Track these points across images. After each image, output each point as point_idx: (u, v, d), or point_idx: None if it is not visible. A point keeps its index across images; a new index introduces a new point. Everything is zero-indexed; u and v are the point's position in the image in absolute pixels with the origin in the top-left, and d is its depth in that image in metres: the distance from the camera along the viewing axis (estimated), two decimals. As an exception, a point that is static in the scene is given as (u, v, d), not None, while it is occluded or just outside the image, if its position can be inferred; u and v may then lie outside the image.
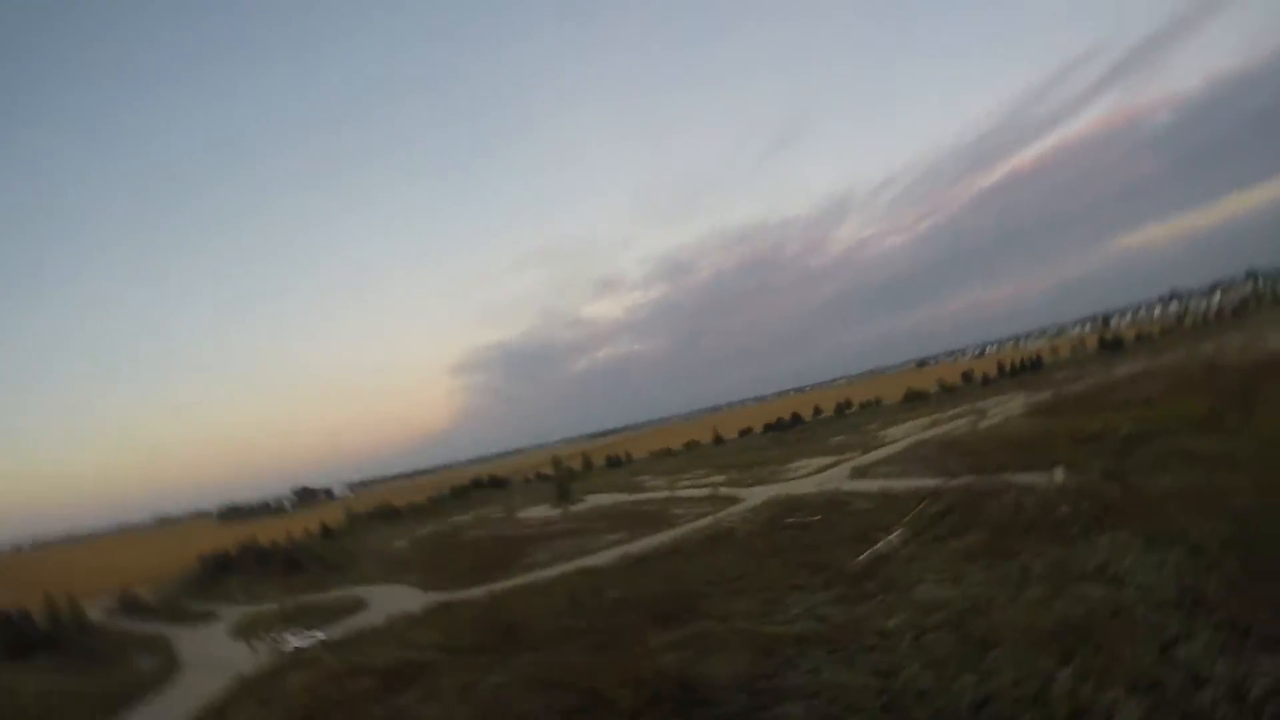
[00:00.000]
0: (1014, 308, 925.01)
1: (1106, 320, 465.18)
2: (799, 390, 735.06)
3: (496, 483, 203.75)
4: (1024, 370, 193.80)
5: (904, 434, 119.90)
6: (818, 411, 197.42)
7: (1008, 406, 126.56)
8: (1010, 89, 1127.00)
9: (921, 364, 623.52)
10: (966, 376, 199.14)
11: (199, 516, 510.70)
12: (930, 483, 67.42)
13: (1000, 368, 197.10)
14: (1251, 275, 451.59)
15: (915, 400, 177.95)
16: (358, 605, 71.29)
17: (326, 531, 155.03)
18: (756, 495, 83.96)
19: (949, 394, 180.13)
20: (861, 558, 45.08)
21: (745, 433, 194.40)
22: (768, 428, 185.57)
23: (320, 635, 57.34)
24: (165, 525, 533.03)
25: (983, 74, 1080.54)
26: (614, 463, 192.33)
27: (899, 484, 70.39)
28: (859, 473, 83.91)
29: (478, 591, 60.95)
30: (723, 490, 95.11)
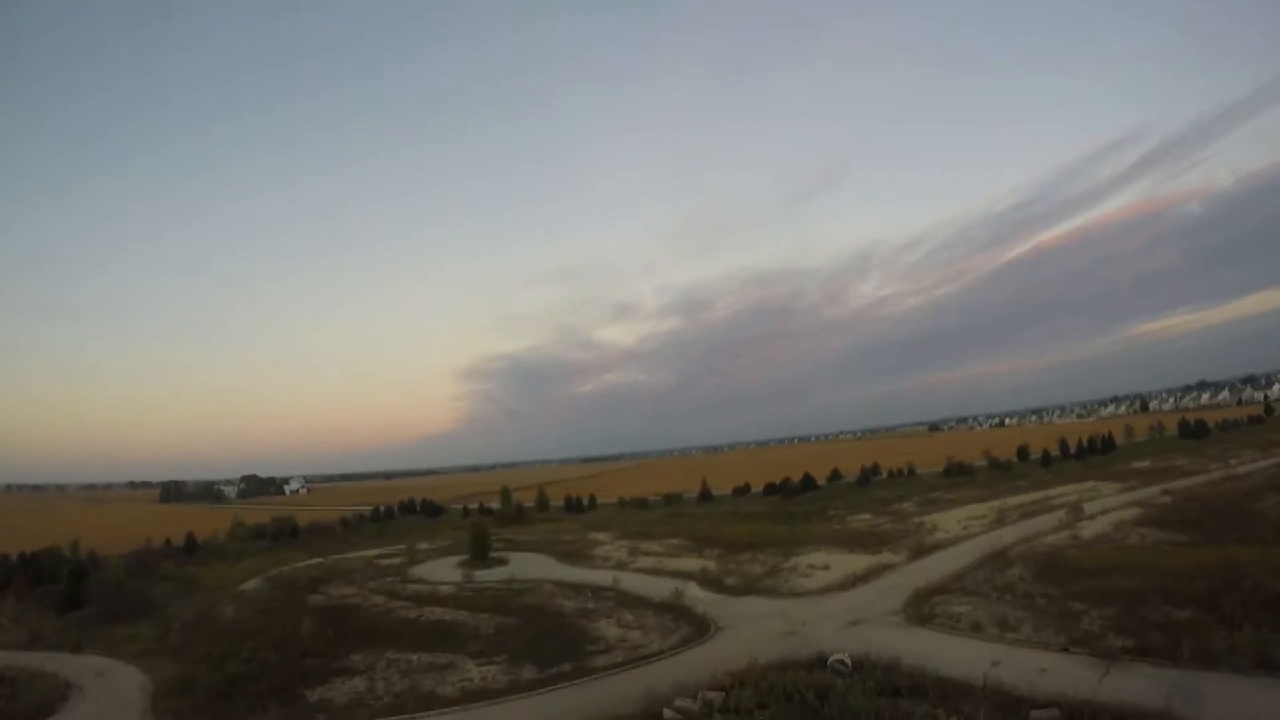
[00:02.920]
0: (1026, 381, 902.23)
1: (1145, 403, 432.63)
2: (802, 440, 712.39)
3: (431, 509, 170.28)
4: (1094, 450, 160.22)
5: (961, 528, 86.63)
6: (835, 475, 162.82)
7: (1105, 503, 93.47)
8: (1044, 164, 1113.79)
9: (934, 428, 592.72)
10: (1022, 453, 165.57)
11: (145, 488, 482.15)
12: (1078, 665, 35.62)
13: (1064, 446, 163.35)
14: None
15: (959, 475, 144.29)
16: (43, 708, 44.00)
17: (190, 547, 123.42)
18: (740, 623, 51.03)
19: (1002, 470, 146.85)
20: None
21: (741, 491, 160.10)
22: (769, 489, 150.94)
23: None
24: (94, 492, 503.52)
25: (1019, 145, 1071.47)
26: (573, 507, 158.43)
27: (1015, 657, 37.72)
28: (918, 608, 50.21)
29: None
30: (693, 592, 62.11)
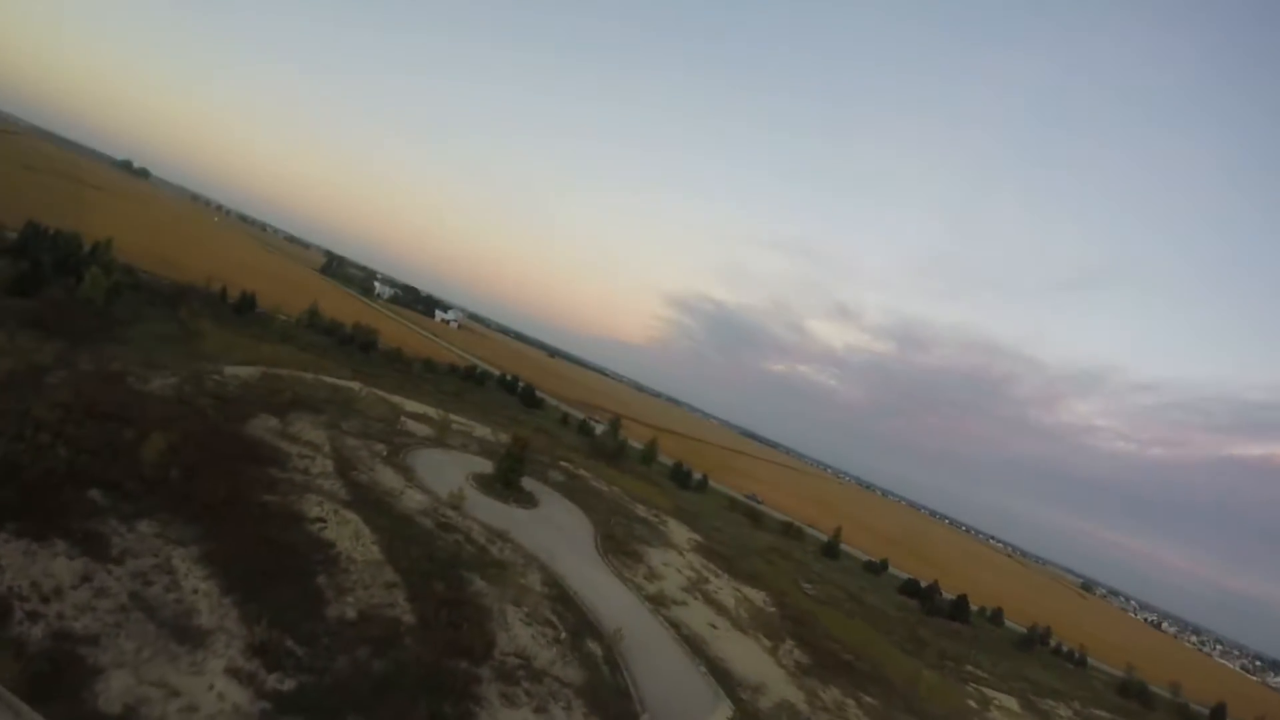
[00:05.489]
0: (1194, 587, 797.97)
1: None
2: (954, 523, 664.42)
3: (529, 398, 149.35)
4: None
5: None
6: (995, 617, 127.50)
7: None
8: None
9: (1087, 587, 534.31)
10: (1217, 713, 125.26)
11: (322, 254, 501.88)
12: None
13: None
14: None
15: (1137, 699, 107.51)
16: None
17: (244, 305, 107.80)
18: None
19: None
20: None
21: (875, 567, 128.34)
22: (909, 588, 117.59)
23: None
24: (281, 242, 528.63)
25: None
26: (680, 477, 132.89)
27: None
28: None
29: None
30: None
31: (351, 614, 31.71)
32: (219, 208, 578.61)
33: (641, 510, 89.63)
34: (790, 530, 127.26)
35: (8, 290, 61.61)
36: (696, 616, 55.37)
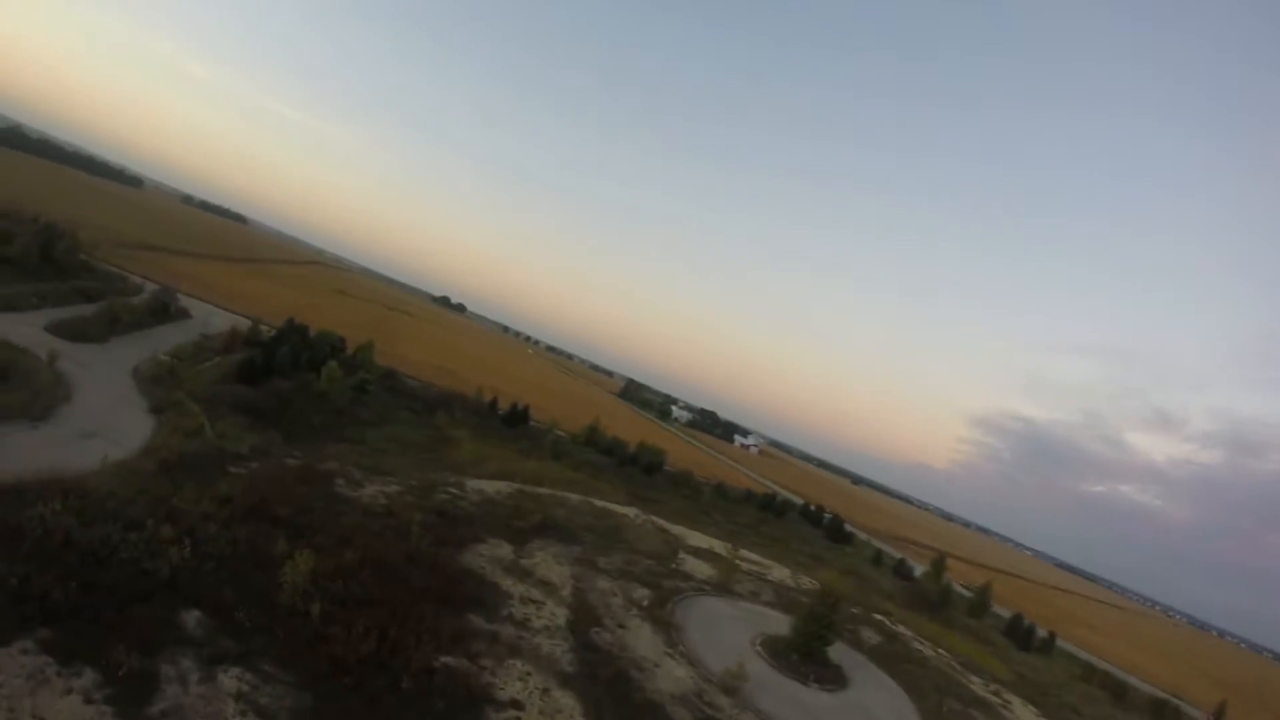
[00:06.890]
0: None
1: None
2: None
3: (837, 532, 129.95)
4: None
5: None
6: None
7: None
8: None
9: None
10: None
11: (611, 377, 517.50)
12: None
13: None
14: None
15: None
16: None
17: (514, 418, 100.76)
18: None
19: None
20: None
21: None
22: None
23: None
24: (586, 371, 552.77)
25: None
26: (1020, 635, 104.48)
27: None
28: None
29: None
30: None
31: None
32: (529, 339, 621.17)
33: (976, 685, 68.39)
34: (1165, 710, 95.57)
35: (235, 378, 57.59)
36: None
